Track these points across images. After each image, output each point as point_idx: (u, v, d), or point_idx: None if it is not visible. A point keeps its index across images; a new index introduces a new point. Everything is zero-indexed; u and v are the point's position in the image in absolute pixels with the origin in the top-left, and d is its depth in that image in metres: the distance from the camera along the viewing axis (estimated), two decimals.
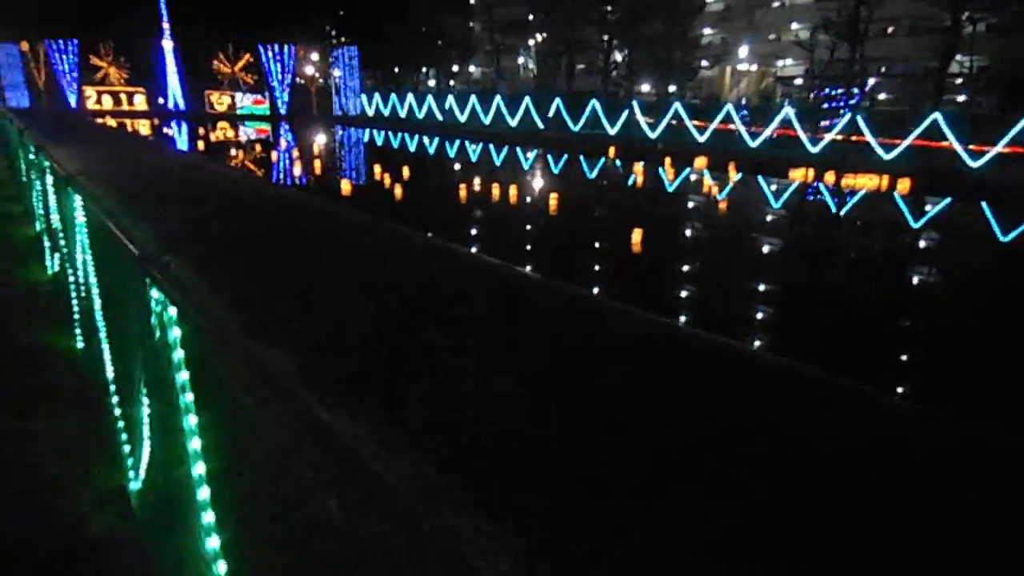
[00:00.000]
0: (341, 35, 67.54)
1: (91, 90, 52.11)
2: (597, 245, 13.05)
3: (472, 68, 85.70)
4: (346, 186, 19.33)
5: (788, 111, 25.98)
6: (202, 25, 55.41)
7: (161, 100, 54.15)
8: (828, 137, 24.53)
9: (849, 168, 21.69)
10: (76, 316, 4.82)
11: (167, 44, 53.29)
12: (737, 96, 69.04)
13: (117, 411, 3.46)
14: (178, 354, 1.74)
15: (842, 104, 29.35)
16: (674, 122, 30.83)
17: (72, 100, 51.23)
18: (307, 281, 1.66)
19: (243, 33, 55.35)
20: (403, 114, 49.65)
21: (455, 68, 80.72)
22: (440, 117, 45.38)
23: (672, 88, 66.03)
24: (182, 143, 38.69)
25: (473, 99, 43.08)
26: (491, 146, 36.03)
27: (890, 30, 50.98)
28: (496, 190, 17.79)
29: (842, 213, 17.69)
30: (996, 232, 15.47)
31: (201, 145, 36.30)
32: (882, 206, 19.43)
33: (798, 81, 65.66)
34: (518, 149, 33.74)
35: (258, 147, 36.38)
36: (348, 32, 66.64)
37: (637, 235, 12.17)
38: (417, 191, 20.01)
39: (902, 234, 15.25)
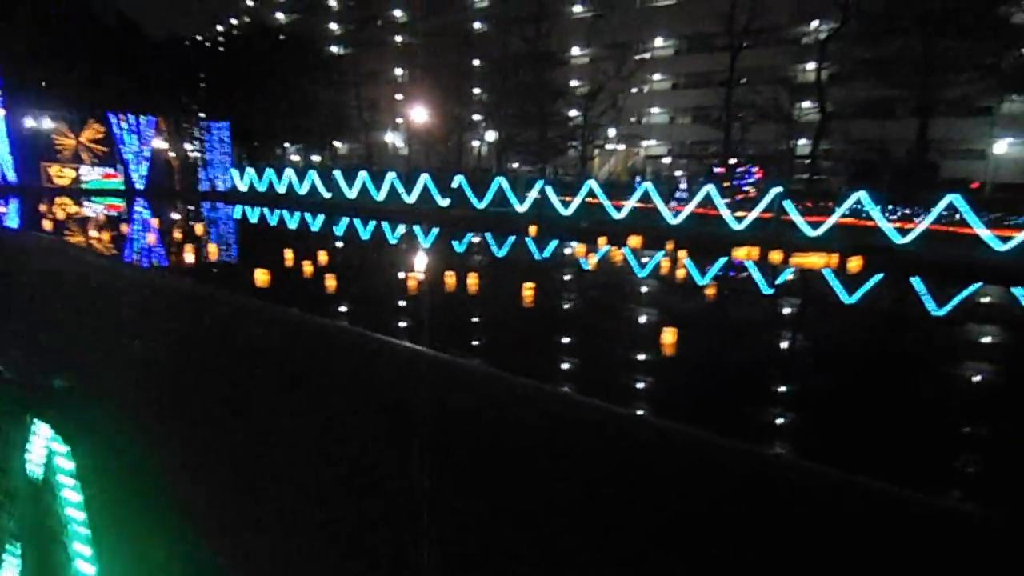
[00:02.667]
0: (200, 107, 63.12)
1: None
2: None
3: (337, 144, 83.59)
4: (262, 276, 16.25)
5: (709, 188, 26.33)
6: (39, 91, 49.28)
7: None
8: (752, 215, 24.96)
9: (782, 246, 21.96)
10: None
11: None
12: (609, 173, 72.09)
13: None
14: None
15: (745, 182, 30.50)
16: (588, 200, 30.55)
17: None
18: None
19: (90, 101, 49.78)
20: (281, 190, 46.19)
21: (329, 143, 78.14)
22: (326, 193, 42.57)
23: (541, 166, 67.79)
24: (15, 221, 33.04)
25: (364, 175, 40.85)
26: (385, 223, 33.86)
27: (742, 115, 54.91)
28: (460, 279, 15.71)
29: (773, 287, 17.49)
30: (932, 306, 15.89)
31: (48, 224, 31.02)
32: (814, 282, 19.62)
33: (666, 160, 69.80)
34: (416, 227, 31.88)
35: (123, 227, 31.63)
36: (208, 104, 62.34)
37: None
38: (366, 281, 17.50)
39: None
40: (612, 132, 66.36)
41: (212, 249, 21.05)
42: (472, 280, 15.60)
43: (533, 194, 32.63)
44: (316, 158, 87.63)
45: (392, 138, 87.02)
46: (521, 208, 32.70)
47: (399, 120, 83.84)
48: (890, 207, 22.84)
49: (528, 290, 14.33)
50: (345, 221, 35.01)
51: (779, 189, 24.36)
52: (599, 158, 69.28)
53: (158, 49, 63.52)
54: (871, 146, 49.72)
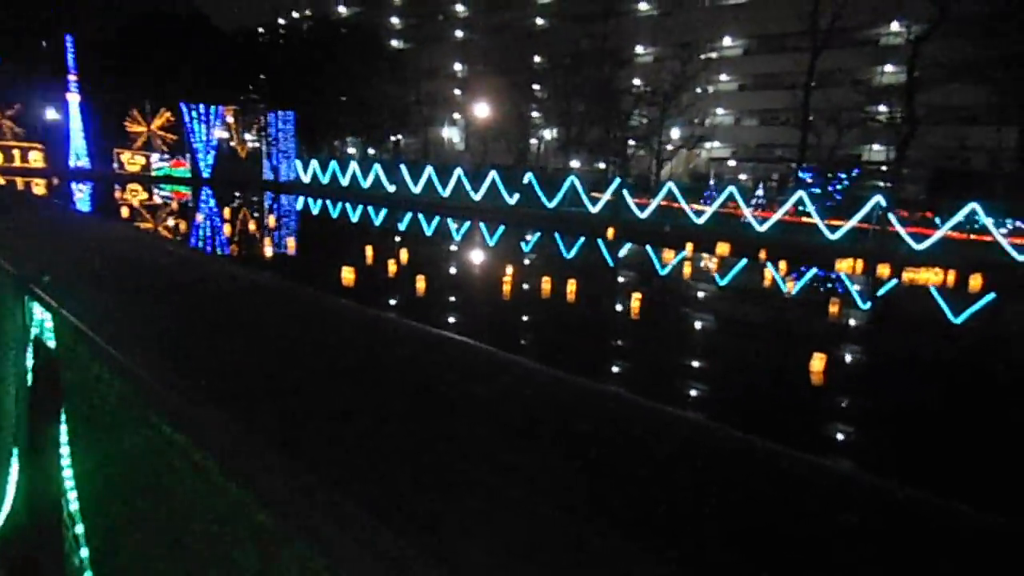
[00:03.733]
0: (265, 98, 63.77)
1: None
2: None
3: (393, 138, 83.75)
4: (348, 274, 15.64)
5: (801, 194, 24.99)
6: (115, 80, 50.27)
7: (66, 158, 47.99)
8: (848, 225, 23.55)
9: (886, 259, 20.55)
10: None
11: (72, 98, 47.66)
12: (669, 174, 70.47)
13: None
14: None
15: (833, 188, 29.01)
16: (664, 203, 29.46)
17: None
18: None
19: (162, 90, 50.59)
20: (345, 182, 46.09)
21: (389, 137, 78.33)
22: (390, 187, 42.26)
23: (601, 165, 66.55)
24: (88, 205, 33.54)
25: (430, 170, 40.40)
26: (450, 220, 33.26)
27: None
28: (562, 288, 14.86)
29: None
30: None
31: (126, 212, 31.33)
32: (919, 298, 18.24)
33: (731, 163, 67.86)
34: (493, 226, 31.18)
35: (199, 216, 31.75)
36: (273, 95, 62.88)
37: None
38: (472, 288, 16.84)
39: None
40: (676, 133, 64.70)
41: (291, 244, 20.68)
42: (575, 289, 14.75)
43: (607, 196, 31.65)
44: (372, 151, 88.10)
45: (449, 133, 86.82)
46: (594, 209, 31.75)
47: (456, 116, 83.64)
48: (1007, 221, 21.17)
49: (650, 306, 13.36)
50: (414, 217, 34.53)
51: (879, 198, 22.88)
52: (655, 159, 67.75)
53: (227, 41, 64.44)
54: (951, 154, 47.30)
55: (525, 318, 13.12)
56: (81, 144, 48.23)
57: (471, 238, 28.05)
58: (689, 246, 22.90)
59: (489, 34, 75.58)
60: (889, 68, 58.77)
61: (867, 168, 54.33)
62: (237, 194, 46.14)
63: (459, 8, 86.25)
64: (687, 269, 20.08)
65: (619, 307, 13.65)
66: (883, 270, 19.75)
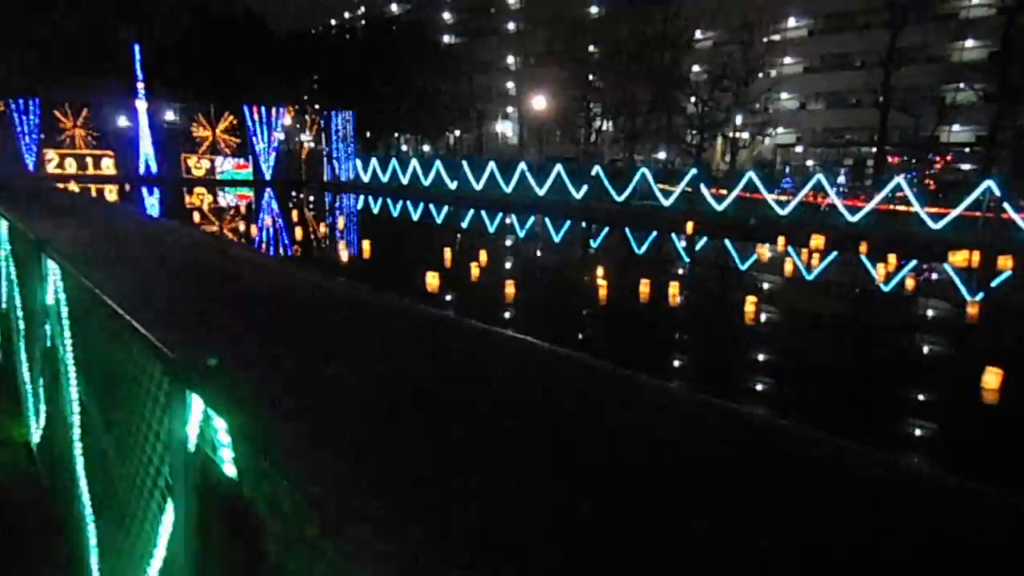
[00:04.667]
0: (322, 99, 64.21)
1: (53, 153, 46.79)
2: None
3: (446, 134, 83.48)
4: (432, 280, 14.91)
5: (900, 180, 23.41)
6: (179, 85, 51.22)
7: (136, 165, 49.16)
8: (953, 213, 21.92)
9: (1002, 250, 18.90)
10: None
11: (140, 105, 48.72)
12: (734, 164, 68.21)
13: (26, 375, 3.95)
14: None
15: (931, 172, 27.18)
16: (744, 194, 28.12)
17: (30, 163, 45.80)
18: None
19: (225, 94, 51.28)
20: (405, 180, 45.89)
21: (443, 133, 78.26)
22: (451, 184, 41.81)
23: (661, 155, 64.87)
24: (159, 210, 33.99)
25: (492, 166, 39.78)
26: (516, 217, 32.44)
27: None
28: (664, 290, 13.94)
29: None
30: None
31: (197, 217, 31.64)
32: None
33: (798, 149, 65.32)
34: (565, 222, 30.33)
35: (276, 220, 31.77)
36: (329, 95, 63.23)
37: None
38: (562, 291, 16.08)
39: None
40: (738, 119, 62.58)
41: (370, 248, 20.24)
42: (678, 292, 13.85)
43: (680, 188, 30.48)
44: (426, 148, 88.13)
45: (503, 128, 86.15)
46: (667, 202, 30.60)
47: (510, 110, 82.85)
48: None
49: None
50: (478, 214, 33.91)
51: (990, 183, 21.16)
52: (721, 147, 65.63)
53: (283, 43, 65.07)
54: None
55: (682, 337, 12.01)
56: (150, 150, 49.29)
57: (550, 238, 27.22)
58: (781, 240, 21.61)
59: (542, 25, 74.36)
60: (969, 43, 55.43)
61: (950, 150, 51.43)
62: (301, 195, 46.47)
63: (511, 0, 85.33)
64: (802, 268, 18.65)
65: (762, 317, 12.47)
66: (1005, 263, 18.15)
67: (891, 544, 1.03)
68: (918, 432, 7.88)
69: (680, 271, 19.77)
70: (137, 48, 47.43)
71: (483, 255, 17.89)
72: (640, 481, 1.24)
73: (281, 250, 22.37)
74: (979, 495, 1.17)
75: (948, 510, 1.11)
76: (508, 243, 25.86)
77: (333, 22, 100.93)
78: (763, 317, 12.28)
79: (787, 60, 66.54)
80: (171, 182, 48.04)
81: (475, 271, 16.32)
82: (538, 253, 23.11)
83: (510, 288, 13.85)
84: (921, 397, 9.10)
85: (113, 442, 2.60)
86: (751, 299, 12.51)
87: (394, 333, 3.23)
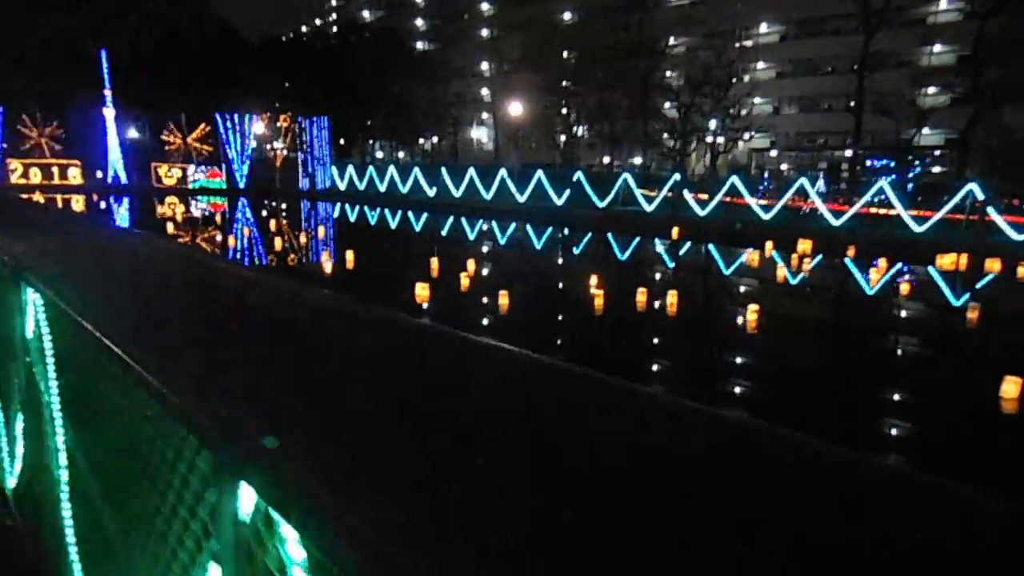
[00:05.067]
0: (295, 106, 63.31)
1: (16, 163, 45.38)
2: None
3: (421, 140, 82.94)
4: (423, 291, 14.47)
5: (883, 183, 23.51)
6: (149, 94, 49.98)
7: (100, 174, 47.86)
8: (936, 216, 22.05)
9: (988, 253, 19.00)
10: None
11: (108, 113, 47.50)
12: (708, 168, 68.60)
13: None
14: None
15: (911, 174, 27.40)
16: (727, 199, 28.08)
17: None
18: None
19: (196, 102, 50.17)
20: (382, 188, 45.24)
21: (418, 140, 77.68)
22: (430, 191, 41.32)
23: (637, 160, 65.01)
24: (126, 220, 32.99)
25: (471, 172, 39.39)
26: (494, 223, 32.08)
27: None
28: (660, 300, 13.62)
29: None
30: None
31: (170, 227, 30.74)
32: None
33: (773, 153, 65.96)
34: (546, 229, 30.01)
35: (246, 230, 30.89)
36: (303, 102, 62.36)
37: None
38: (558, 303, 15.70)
39: None
40: (712, 124, 63.00)
41: (350, 257, 19.70)
42: (676, 302, 13.56)
43: (662, 193, 30.38)
44: (401, 155, 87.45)
45: (478, 134, 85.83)
46: (649, 208, 30.48)
47: (485, 116, 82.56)
48: None
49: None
50: (461, 221, 33.44)
51: (973, 185, 21.32)
52: (695, 152, 66.01)
53: (255, 50, 64.13)
54: (1013, 137, 45.02)
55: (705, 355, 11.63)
56: (118, 159, 48.07)
57: (535, 245, 26.86)
58: (768, 245, 21.51)
59: (515, 31, 74.33)
60: (938, 48, 56.55)
61: (923, 153, 52.20)
62: (274, 203, 45.59)
63: (484, 6, 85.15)
64: (800, 273, 18.48)
65: (762, 323, 12.15)
66: (992, 265, 18.22)
67: (877, 547, 0.99)
68: (908, 434, 7.67)
69: (672, 276, 19.55)
70: (104, 55, 46.28)
71: (469, 263, 17.49)
72: (624, 487, 1.21)
73: (256, 260, 21.71)
74: (970, 500, 1.14)
75: (935, 512, 1.11)
76: (488, 250, 25.46)
77: (304, 28, 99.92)
78: (763, 323, 12.03)
79: (760, 65, 67.29)
80: (141, 191, 46.88)
81: (463, 280, 15.89)
82: (522, 260, 22.77)
83: (495, 296, 13.46)
84: (934, 401, 8.91)
85: (114, 509, 2.16)
86: (752, 307, 12.27)
87: (378, 345, 2.87)
